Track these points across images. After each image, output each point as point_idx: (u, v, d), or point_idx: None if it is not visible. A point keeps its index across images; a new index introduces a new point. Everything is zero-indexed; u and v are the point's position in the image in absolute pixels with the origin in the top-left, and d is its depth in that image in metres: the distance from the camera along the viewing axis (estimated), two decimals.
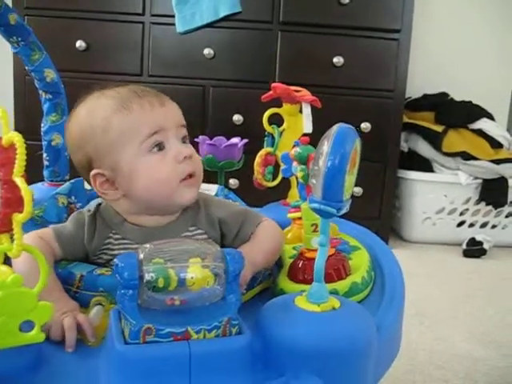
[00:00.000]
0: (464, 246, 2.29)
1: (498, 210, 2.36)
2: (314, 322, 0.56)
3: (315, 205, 0.55)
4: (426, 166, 2.38)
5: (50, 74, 1.06)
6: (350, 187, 0.57)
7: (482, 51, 2.72)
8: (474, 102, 2.48)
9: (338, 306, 0.59)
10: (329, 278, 0.70)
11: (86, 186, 0.88)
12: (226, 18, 2.12)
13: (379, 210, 2.31)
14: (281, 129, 1.05)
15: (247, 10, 2.12)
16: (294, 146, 0.87)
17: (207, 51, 2.14)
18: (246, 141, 1.13)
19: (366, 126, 2.19)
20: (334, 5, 2.14)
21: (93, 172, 0.72)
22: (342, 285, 0.72)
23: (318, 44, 2.18)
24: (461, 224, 2.41)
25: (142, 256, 0.54)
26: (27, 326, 0.50)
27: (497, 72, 2.76)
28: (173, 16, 2.11)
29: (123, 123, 0.70)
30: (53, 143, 1.10)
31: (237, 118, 2.19)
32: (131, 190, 0.72)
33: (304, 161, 0.74)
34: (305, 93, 1.01)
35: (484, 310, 1.65)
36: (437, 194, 2.36)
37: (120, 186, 0.72)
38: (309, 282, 0.71)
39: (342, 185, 0.54)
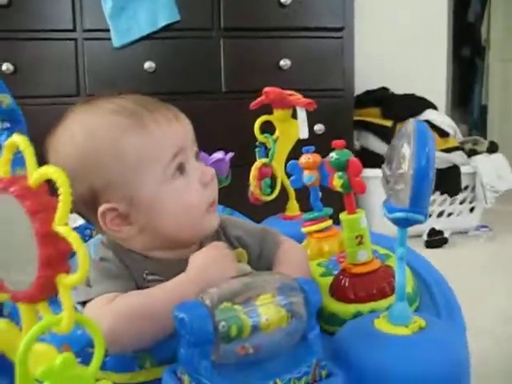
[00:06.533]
0: (425, 237, 2.29)
1: (453, 197, 2.40)
2: (412, 347, 0.49)
3: (401, 214, 0.47)
4: (379, 162, 2.35)
5: (6, 100, 0.92)
6: None
7: (415, 43, 2.76)
8: (413, 93, 2.51)
9: (423, 324, 0.52)
10: (383, 293, 0.63)
11: (80, 221, 0.74)
12: (164, 28, 2.01)
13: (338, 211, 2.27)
14: (274, 137, 0.97)
15: (186, 18, 2.02)
16: (305, 152, 0.79)
17: (148, 65, 2.02)
18: (231, 154, 1.04)
19: (319, 127, 2.15)
20: (275, 7, 2.08)
21: (102, 208, 0.60)
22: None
23: (263, 48, 2.12)
24: None
25: (209, 302, 0.44)
26: None
27: (431, 62, 2.82)
28: (108, 30, 1.98)
29: (140, 146, 0.59)
30: None
31: None
32: (152, 223, 0.61)
33: (343, 167, 0.66)
34: (298, 96, 0.93)
35: None
36: None
37: (136, 220, 0.61)
38: (362, 300, 0.64)
39: (430, 189, 0.47)
